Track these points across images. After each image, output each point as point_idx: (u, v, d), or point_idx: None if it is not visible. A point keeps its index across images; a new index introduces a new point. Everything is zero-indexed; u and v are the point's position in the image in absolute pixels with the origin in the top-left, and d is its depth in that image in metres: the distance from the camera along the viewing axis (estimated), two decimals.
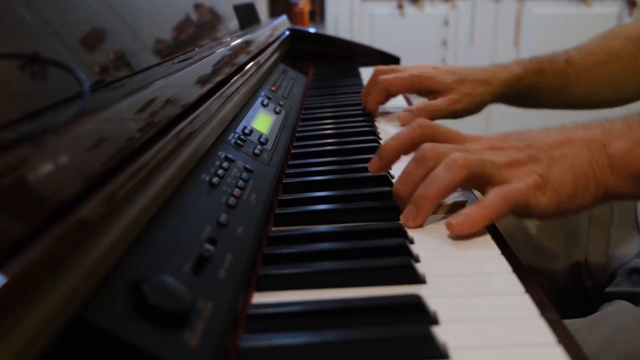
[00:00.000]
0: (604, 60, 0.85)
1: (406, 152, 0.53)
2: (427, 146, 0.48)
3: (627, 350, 0.48)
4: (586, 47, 0.88)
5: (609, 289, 0.63)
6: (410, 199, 0.47)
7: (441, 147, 0.48)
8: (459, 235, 0.45)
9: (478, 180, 0.46)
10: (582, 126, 0.49)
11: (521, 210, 0.45)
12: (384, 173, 0.56)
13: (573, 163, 0.45)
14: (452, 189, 0.46)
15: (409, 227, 0.47)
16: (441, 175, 0.45)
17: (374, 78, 0.85)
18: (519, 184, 0.44)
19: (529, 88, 0.84)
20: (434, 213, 0.48)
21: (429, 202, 0.46)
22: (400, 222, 0.47)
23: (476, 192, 0.53)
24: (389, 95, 0.86)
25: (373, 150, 0.62)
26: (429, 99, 0.82)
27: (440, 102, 0.79)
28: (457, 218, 0.44)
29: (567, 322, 0.53)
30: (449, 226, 0.44)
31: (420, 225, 0.47)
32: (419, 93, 0.85)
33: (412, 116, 0.77)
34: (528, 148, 0.47)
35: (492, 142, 0.50)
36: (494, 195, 0.44)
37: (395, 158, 0.53)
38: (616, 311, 0.55)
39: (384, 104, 0.87)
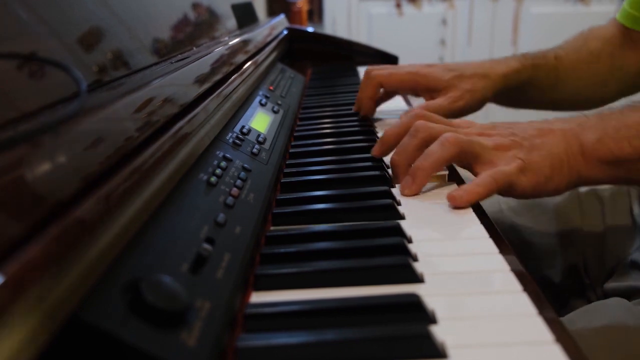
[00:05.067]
0: (588, 59, 0.85)
1: None
2: (419, 122, 0.56)
3: (621, 346, 0.50)
4: (570, 46, 0.87)
5: (607, 284, 0.63)
6: (408, 171, 0.54)
7: (432, 124, 0.55)
8: (458, 234, 0.46)
9: (467, 158, 0.53)
10: (561, 120, 0.56)
11: (506, 189, 0.51)
12: (382, 173, 0.57)
13: (550, 150, 0.52)
14: (444, 163, 0.53)
15: (405, 195, 0.53)
16: (435, 150, 0.52)
17: (365, 75, 0.80)
18: (505, 166, 0.51)
19: (525, 83, 0.82)
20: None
21: (424, 173, 0.53)
22: (399, 191, 0.54)
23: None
24: (385, 94, 0.82)
25: (371, 149, 0.63)
26: (426, 99, 0.78)
27: (441, 101, 0.75)
28: (457, 192, 0.50)
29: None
30: (451, 197, 0.50)
31: (416, 194, 0.53)
32: (415, 92, 0.81)
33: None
34: (512, 135, 0.54)
35: (482, 128, 0.57)
36: (486, 176, 0.50)
37: (395, 143, 0.59)
38: (609, 305, 0.56)
39: (380, 104, 0.83)
